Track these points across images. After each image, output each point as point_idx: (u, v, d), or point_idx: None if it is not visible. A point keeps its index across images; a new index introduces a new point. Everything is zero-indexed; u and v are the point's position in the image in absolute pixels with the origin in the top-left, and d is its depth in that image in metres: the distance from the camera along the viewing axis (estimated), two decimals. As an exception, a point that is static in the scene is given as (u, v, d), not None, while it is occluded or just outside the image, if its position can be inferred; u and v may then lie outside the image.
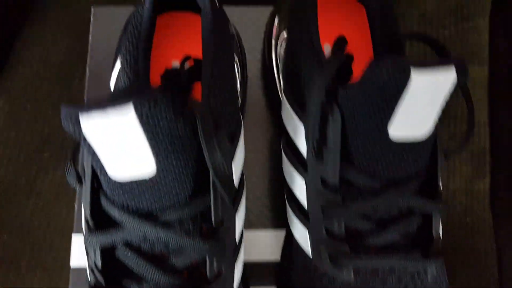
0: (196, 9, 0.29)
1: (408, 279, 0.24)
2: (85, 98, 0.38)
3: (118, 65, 0.28)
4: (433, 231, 0.23)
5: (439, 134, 0.22)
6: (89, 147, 0.20)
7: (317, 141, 0.23)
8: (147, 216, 0.22)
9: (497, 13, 0.52)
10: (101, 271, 0.23)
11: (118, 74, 0.26)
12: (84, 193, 0.22)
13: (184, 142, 0.21)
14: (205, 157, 0.20)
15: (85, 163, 0.22)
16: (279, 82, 0.32)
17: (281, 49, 0.31)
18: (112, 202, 0.22)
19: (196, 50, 0.31)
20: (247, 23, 0.37)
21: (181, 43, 0.31)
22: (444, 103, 0.20)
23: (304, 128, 0.25)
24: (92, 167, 0.22)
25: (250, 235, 0.33)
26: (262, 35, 0.37)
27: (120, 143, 0.19)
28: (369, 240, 0.23)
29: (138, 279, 0.23)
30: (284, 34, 0.31)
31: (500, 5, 0.52)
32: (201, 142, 0.20)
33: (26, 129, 0.44)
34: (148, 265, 0.22)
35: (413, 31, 0.25)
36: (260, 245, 0.33)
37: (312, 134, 0.23)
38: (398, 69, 0.19)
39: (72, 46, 0.46)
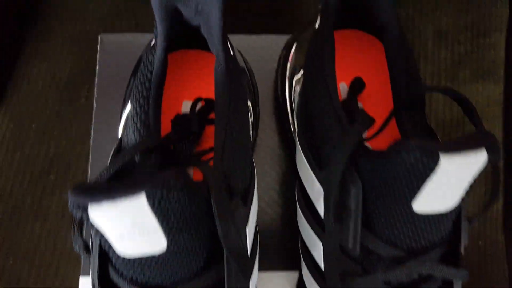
0: (207, 47, 0.28)
1: None
2: (91, 141, 0.37)
3: (128, 109, 0.27)
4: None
5: (465, 202, 0.22)
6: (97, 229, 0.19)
7: (336, 207, 0.22)
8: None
9: (514, 29, 0.50)
10: None
11: (127, 123, 0.26)
12: (92, 264, 0.22)
13: (196, 219, 0.20)
14: (219, 234, 0.20)
15: (93, 239, 0.21)
16: (293, 122, 0.31)
17: (297, 87, 0.30)
18: (120, 275, 0.21)
19: (207, 88, 0.30)
20: (260, 52, 0.36)
21: (192, 81, 0.30)
22: (472, 180, 0.19)
23: (322, 188, 0.24)
24: (100, 242, 0.21)
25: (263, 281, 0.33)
26: (274, 65, 0.36)
27: (130, 228, 0.18)
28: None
29: None
30: (300, 73, 0.30)
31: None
32: (215, 219, 0.19)
33: (31, 149, 0.44)
34: None
35: (437, 86, 0.23)
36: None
37: (332, 200, 0.22)
38: (426, 154, 0.18)
39: (79, 62, 0.45)
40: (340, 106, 0.25)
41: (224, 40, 0.25)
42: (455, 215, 0.22)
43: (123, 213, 0.18)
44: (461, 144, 0.18)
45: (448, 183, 0.19)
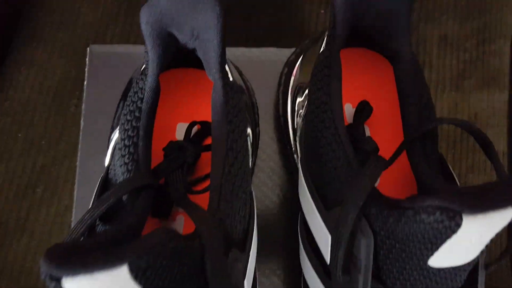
0: (202, 64, 0.26)
1: None
2: (78, 157, 0.35)
3: (115, 137, 0.25)
4: None
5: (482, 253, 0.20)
6: None
7: (344, 256, 0.20)
8: None
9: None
10: None
11: (114, 152, 0.24)
12: None
13: (188, 282, 0.18)
14: None
15: None
16: (295, 145, 0.30)
17: (300, 111, 0.28)
18: None
19: (203, 109, 0.28)
20: (261, 66, 0.34)
21: (187, 102, 0.28)
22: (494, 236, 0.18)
23: (330, 235, 0.22)
24: None
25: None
26: (276, 79, 0.34)
27: None
28: None
29: None
30: (304, 96, 0.28)
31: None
32: (209, 281, 0.18)
33: (17, 161, 0.42)
34: None
35: (453, 118, 0.22)
36: None
37: (341, 253, 0.20)
38: (447, 216, 0.16)
39: (69, 70, 0.43)
40: (346, 137, 0.23)
41: (223, 67, 0.23)
42: (472, 266, 0.20)
43: (102, 286, 0.16)
44: (485, 202, 0.16)
45: (469, 242, 0.17)
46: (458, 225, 0.16)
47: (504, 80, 0.48)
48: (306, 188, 0.25)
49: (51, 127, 0.42)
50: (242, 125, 0.24)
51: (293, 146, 0.30)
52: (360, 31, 0.26)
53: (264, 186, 0.33)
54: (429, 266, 0.19)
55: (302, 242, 0.26)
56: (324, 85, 0.24)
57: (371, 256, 0.19)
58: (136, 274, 0.16)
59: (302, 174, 0.26)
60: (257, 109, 0.32)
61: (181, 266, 0.17)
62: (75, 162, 0.38)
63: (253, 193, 0.26)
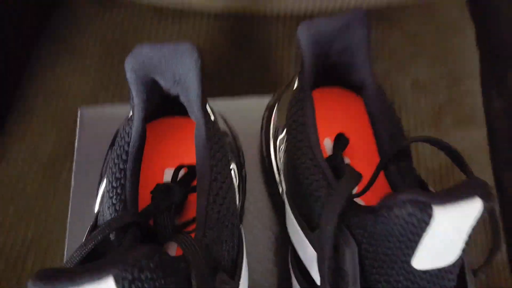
0: (186, 113, 0.27)
1: None
2: (68, 219, 0.35)
3: (104, 184, 0.26)
4: None
5: (466, 254, 0.20)
6: None
7: (332, 271, 0.21)
8: None
9: (487, 74, 0.52)
10: None
11: (103, 198, 0.24)
12: None
13: None
14: None
15: None
16: (280, 182, 0.31)
17: (281, 147, 0.30)
18: None
19: (190, 155, 0.29)
20: (244, 114, 0.36)
21: (174, 149, 0.29)
22: (471, 230, 0.18)
23: (316, 252, 0.22)
24: None
25: None
26: (259, 126, 0.35)
27: None
28: None
29: None
30: (283, 133, 0.29)
31: (488, 64, 0.52)
32: None
33: (7, 235, 0.41)
34: None
35: (421, 136, 0.23)
36: None
37: (326, 264, 0.21)
38: (419, 207, 0.17)
39: (61, 140, 0.44)
40: (325, 162, 0.24)
41: (203, 106, 0.25)
42: (458, 269, 0.20)
43: None
44: (453, 194, 0.17)
45: (445, 236, 0.18)
46: (430, 216, 0.17)
47: (479, 117, 0.50)
48: (292, 216, 0.25)
49: (42, 198, 0.42)
50: (225, 159, 0.25)
51: (279, 184, 0.31)
52: (328, 68, 0.28)
53: (254, 228, 0.33)
54: (413, 269, 0.19)
55: (293, 272, 0.26)
56: (298, 114, 0.26)
57: (357, 266, 0.20)
58: (122, 286, 0.16)
59: (288, 205, 0.27)
60: (243, 154, 0.33)
61: (167, 280, 0.17)
62: (65, 230, 0.38)
63: (243, 231, 0.27)
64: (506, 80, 0.52)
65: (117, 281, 0.16)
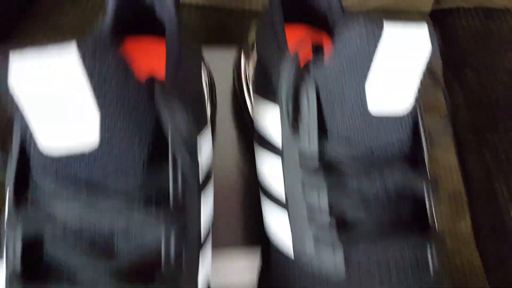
0: (163, 33, 0.29)
1: (407, 268, 0.21)
2: None
3: None
4: (427, 211, 0.21)
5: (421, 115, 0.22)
6: (19, 114, 0.17)
7: (293, 115, 0.22)
8: (87, 193, 0.18)
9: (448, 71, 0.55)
10: (22, 274, 0.17)
11: None
12: (9, 171, 0.18)
13: (136, 103, 0.18)
14: (161, 117, 0.18)
15: (13, 136, 0.18)
16: (251, 105, 0.32)
17: (251, 70, 0.31)
18: (44, 178, 0.18)
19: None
20: (219, 63, 0.38)
21: (147, 66, 0.31)
22: (421, 76, 0.20)
23: (279, 105, 0.24)
24: (21, 139, 0.18)
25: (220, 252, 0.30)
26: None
27: (57, 97, 0.16)
28: (358, 228, 0.21)
29: (70, 280, 0.18)
30: (254, 58, 0.31)
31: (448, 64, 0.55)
32: (158, 101, 0.18)
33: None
34: (84, 260, 0.18)
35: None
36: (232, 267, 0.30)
37: (287, 106, 0.22)
38: (370, 20, 0.19)
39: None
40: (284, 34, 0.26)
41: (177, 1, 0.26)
42: (413, 122, 0.22)
43: (50, 69, 0.15)
44: (403, 20, 0.19)
45: (396, 65, 0.19)
46: (381, 28, 0.18)
47: (442, 106, 0.53)
48: (259, 98, 0.27)
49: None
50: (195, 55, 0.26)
51: (250, 111, 0.33)
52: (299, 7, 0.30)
53: (225, 159, 0.34)
54: (368, 112, 0.20)
55: (257, 144, 0.27)
56: (267, 25, 0.28)
57: (314, 100, 0.21)
58: (83, 54, 0.16)
59: (256, 96, 0.28)
60: (214, 82, 0.35)
61: (129, 78, 0.18)
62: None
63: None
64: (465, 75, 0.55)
65: (80, 47, 0.16)
